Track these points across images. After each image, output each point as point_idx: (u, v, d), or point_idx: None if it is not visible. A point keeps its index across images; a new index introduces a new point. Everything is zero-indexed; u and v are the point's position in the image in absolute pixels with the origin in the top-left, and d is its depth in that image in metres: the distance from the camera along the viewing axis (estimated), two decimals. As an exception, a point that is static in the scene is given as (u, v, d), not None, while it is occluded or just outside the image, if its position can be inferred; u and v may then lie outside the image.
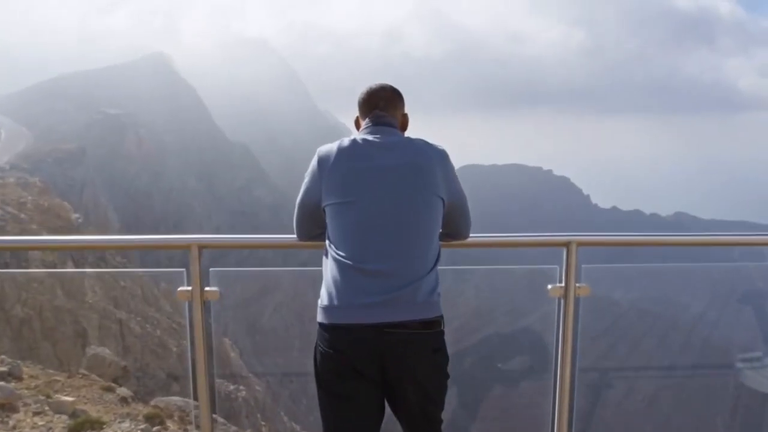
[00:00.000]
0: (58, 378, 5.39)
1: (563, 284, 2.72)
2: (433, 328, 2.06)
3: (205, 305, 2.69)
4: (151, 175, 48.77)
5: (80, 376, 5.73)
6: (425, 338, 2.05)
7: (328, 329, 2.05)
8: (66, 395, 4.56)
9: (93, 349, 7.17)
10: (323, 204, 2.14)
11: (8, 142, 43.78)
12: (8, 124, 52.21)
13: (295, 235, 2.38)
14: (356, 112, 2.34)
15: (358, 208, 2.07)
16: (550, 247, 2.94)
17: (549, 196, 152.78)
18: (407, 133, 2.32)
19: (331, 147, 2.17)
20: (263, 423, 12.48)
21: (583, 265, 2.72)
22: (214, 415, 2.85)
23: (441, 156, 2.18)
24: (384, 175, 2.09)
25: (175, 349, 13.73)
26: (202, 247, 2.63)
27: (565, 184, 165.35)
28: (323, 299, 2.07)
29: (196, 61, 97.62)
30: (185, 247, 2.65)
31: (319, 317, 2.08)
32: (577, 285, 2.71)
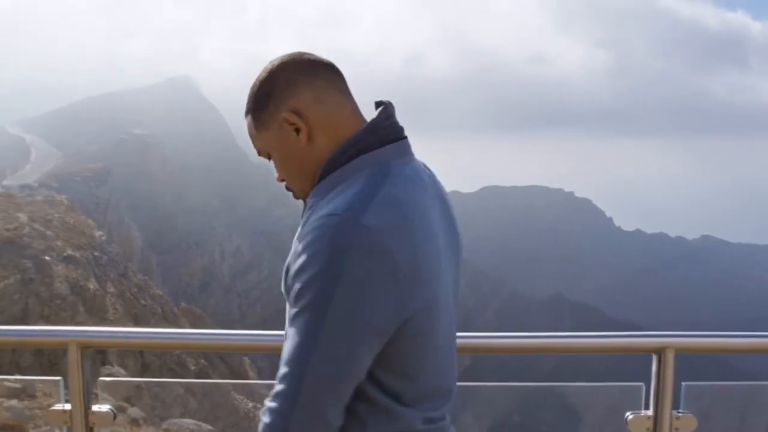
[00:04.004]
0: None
1: (652, 412, 1.80)
2: None
3: None
4: (174, 195, 49.48)
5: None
6: None
7: None
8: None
9: (107, 369, 7.18)
10: (401, 320, 1.05)
11: (38, 162, 45.40)
12: (40, 144, 53.98)
13: (242, 332, 1.53)
14: None
15: (436, 320, 1.12)
16: (632, 354, 1.97)
17: (570, 218, 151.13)
18: None
19: (394, 219, 1.04)
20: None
21: (683, 383, 1.83)
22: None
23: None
24: (445, 259, 1.16)
25: (193, 368, 13.76)
26: (84, 346, 1.80)
27: (587, 205, 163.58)
28: None
29: (220, 84, 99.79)
30: (59, 345, 1.89)
31: None
32: (676, 414, 1.79)
